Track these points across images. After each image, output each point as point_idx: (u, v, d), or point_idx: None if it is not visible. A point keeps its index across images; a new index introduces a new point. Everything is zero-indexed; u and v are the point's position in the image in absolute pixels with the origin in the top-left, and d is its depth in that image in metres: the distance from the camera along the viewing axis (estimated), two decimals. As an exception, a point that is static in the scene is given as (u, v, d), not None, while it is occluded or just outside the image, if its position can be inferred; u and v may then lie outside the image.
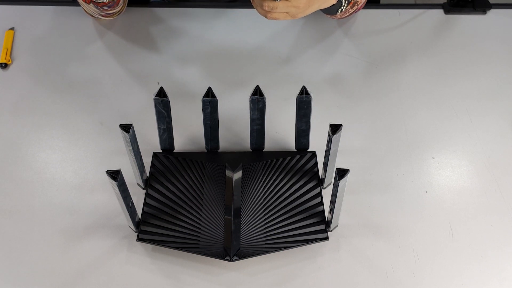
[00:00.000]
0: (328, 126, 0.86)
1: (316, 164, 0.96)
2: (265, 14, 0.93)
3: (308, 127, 0.95)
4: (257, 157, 0.98)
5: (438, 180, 0.97)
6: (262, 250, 0.85)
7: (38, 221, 0.91)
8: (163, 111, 0.91)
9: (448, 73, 1.12)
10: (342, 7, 1.05)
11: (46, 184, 0.96)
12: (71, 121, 1.04)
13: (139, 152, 0.90)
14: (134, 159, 0.88)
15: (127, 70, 1.13)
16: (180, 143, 1.01)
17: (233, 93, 1.08)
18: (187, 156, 0.98)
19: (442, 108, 1.07)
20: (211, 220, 0.89)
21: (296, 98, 0.91)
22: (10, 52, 1.15)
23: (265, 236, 0.87)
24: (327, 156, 0.90)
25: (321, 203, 0.91)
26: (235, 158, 0.97)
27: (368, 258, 0.88)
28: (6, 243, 0.89)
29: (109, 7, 1.09)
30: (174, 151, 0.99)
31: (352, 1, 1.06)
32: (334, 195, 0.83)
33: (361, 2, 1.09)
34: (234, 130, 1.03)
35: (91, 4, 1.06)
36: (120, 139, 0.89)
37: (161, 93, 0.89)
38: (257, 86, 0.90)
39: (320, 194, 0.92)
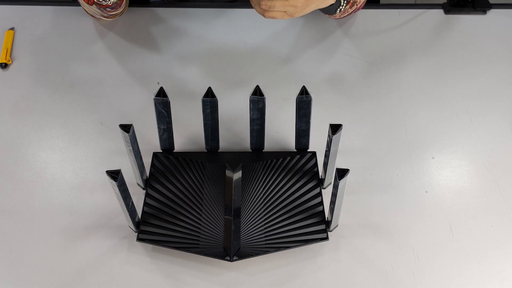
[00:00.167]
0: (328, 126, 0.86)
1: (316, 164, 0.96)
2: (263, 12, 0.93)
3: (308, 127, 0.95)
4: (257, 157, 0.98)
5: (438, 180, 0.97)
6: (262, 250, 0.85)
7: (38, 221, 0.91)
8: (163, 111, 0.91)
9: (448, 73, 1.12)
10: (341, 7, 1.06)
11: (46, 184, 0.96)
12: (71, 121, 1.04)
13: (139, 152, 0.90)
14: (134, 159, 0.88)
15: (127, 70, 1.13)
16: (180, 143, 1.01)
17: (233, 93, 1.08)
18: (187, 156, 0.98)
19: (442, 108, 1.07)
20: (211, 220, 0.89)
21: (296, 98, 0.91)
22: (10, 52, 1.15)
23: (265, 236, 0.87)
24: (327, 156, 0.90)
25: (321, 203, 0.91)
26: (235, 158, 0.97)
27: (368, 258, 0.88)
28: (6, 243, 0.89)
29: (112, 8, 1.09)
30: (174, 151, 0.99)
31: (351, 1, 1.06)
32: (334, 195, 0.83)
33: (360, 2, 1.09)
34: (234, 130, 1.03)
35: (93, 5, 1.06)
36: (120, 139, 0.89)
37: (161, 93, 0.89)
38: (257, 86, 0.90)
39: (320, 194, 0.92)
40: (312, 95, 0.90)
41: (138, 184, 0.94)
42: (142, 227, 0.88)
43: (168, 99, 0.90)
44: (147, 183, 0.94)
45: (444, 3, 1.24)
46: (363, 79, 1.12)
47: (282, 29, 1.20)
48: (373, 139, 1.02)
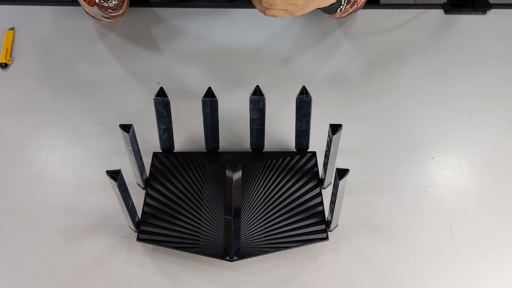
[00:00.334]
0: (328, 126, 0.86)
1: (316, 164, 0.96)
2: (264, 10, 0.94)
3: (308, 127, 0.95)
4: (257, 157, 0.98)
5: (438, 180, 0.97)
6: (262, 250, 0.85)
7: (38, 221, 0.91)
8: (163, 111, 0.91)
9: (448, 73, 1.12)
10: (341, 6, 1.06)
11: (46, 184, 0.96)
12: (71, 121, 1.04)
13: (139, 152, 0.90)
14: (134, 159, 0.88)
15: (127, 70, 1.13)
16: (180, 143, 1.01)
17: (233, 93, 1.08)
18: (187, 156, 0.98)
19: (442, 108, 1.07)
20: (211, 220, 0.89)
21: (296, 98, 0.91)
22: (10, 52, 1.15)
23: (265, 236, 0.87)
24: (327, 156, 0.90)
25: (321, 203, 0.91)
26: (235, 158, 0.97)
27: (368, 258, 0.88)
28: (6, 243, 0.89)
29: (113, 10, 1.09)
30: (174, 151, 0.99)
31: (352, 1, 1.06)
32: (334, 195, 0.83)
33: (360, 1, 1.09)
34: (234, 130, 1.03)
35: (95, 6, 1.06)
36: (120, 139, 0.89)
37: (161, 93, 0.89)
38: (257, 86, 0.90)
39: (320, 194, 0.92)
40: (312, 95, 0.90)
41: (138, 184, 0.94)
42: (142, 227, 0.88)
43: (168, 99, 0.90)
44: (147, 183, 0.94)
45: (444, 3, 1.24)
46: (363, 79, 1.12)
47: (282, 29, 1.20)
48: (373, 139, 1.02)
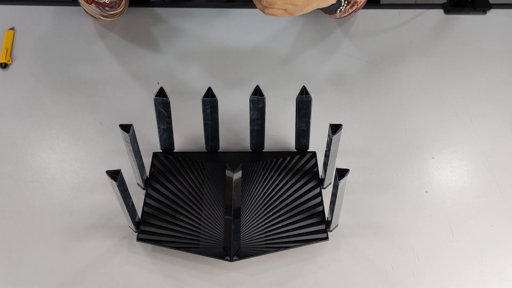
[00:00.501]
0: (328, 126, 0.86)
1: (316, 164, 0.96)
2: (263, 9, 0.94)
3: (308, 127, 0.95)
4: (257, 157, 0.98)
5: (438, 180, 0.97)
6: (262, 250, 0.85)
7: (38, 221, 0.91)
8: (163, 111, 0.91)
9: (448, 73, 1.12)
10: (341, 7, 1.06)
11: (46, 184, 0.96)
12: (71, 121, 1.04)
13: (139, 152, 0.90)
14: (134, 159, 0.88)
15: (127, 70, 1.13)
16: (180, 143, 1.01)
17: (233, 93, 1.08)
18: (187, 156, 0.98)
19: (442, 108, 1.07)
20: (211, 220, 0.89)
21: (296, 98, 0.91)
22: (10, 52, 1.15)
23: (265, 236, 0.87)
24: (327, 156, 0.90)
25: (321, 203, 0.91)
26: (235, 158, 0.97)
27: (368, 258, 0.88)
28: (6, 243, 0.89)
29: (111, 7, 1.09)
30: (174, 151, 0.99)
31: (352, 1, 1.06)
32: (334, 195, 0.83)
33: (360, 2, 1.09)
34: (234, 130, 1.03)
35: (92, 4, 1.06)
36: (120, 139, 0.89)
37: (161, 93, 0.89)
38: (257, 86, 0.90)
39: (320, 194, 0.92)
40: (312, 95, 0.90)
41: (138, 184, 0.94)
42: (142, 227, 0.88)
43: (168, 99, 0.90)
44: (147, 183, 0.94)
45: (444, 3, 1.24)
46: (363, 79, 1.12)
47: (282, 29, 1.20)
48: (373, 139, 1.02)
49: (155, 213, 0.90)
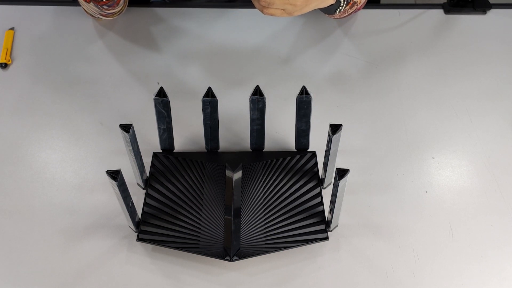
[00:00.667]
0: (328, 126, 0.86)
1: (316, 164, 0.96)
2: (262, 9, 0.94)
3: (308, 127, 0.95)
4: (257, 157, 0.98)
5: (438, 180, 0.97)
6: (262, 250, 0.85)
7: (38, 221, 0.91)
8: (163, 111, 0.91)
9: (448, 73, 1.12)
10: (340, 7, 1.05)
11: (46, 184, 0.96)
12: (71, 121, 1.04)
13: (139, 152, 0.90)
14: (134, 159, 0.88)
15: (127, 70, 1.13)
16: (180, 143, 1.01)
17: (233, 93, 1.08)
18: (187, 156, 0.98)
19: (442, 108, 1.07)
20: (211, 220, 0.89)
21: (296, 98, 0.91)
22: (10, 52, 1.15)
23: (265, 236, 0.87)
24: (327, 156, 0.90)
25: (321, 203, 0.91)
26: (235, 158, 0.97)
27: (368, 258, 0.88)
28: (6, 243, 0.89)
29: (109, 6, 1.09)
30: (174, 151, 0.99)
31: (351, 2, 1.06)
32: (334, 195, 0.83)
33: (360, 2, 1.09)
34: (234, 130, 1.03)
35: (91, 3, 1.06)
36: (120, 139, 0.89)
37: (161, 93, 0.89)
38: (257, 86, 0.90)
39: (320, 194, 0.92)
40: (312, 95, 0.90)
41: (138, 184, 0.94)
42: (142, 227, 0.88)
43: (168, 99, 0.90)
44: (147, 183, 0.94)
45: (444, 3, 1.24)
46: (363, 79, 1.12)
47: (282, 29, 1.20)
48: (373, 139, 1.02)
49: (155, 213, 0.90)
